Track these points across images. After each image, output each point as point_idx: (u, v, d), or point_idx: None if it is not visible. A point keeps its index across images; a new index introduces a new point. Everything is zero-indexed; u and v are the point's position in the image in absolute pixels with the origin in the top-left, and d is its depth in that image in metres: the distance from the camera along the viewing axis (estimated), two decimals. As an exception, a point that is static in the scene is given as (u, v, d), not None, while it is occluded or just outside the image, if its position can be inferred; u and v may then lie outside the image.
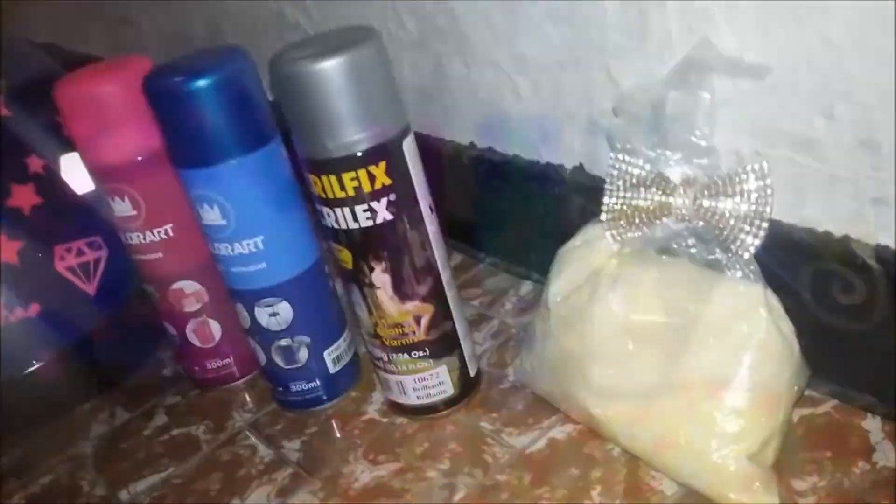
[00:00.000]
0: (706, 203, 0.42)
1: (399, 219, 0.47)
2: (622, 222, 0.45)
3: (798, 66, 0.41)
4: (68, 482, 0.57)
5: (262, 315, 0.54)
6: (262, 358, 0.56)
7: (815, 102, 0.41)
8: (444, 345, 0.51)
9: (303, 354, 0.55)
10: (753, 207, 0.41)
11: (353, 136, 0.45)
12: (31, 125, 0.58)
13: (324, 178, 0.46)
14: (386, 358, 0.52)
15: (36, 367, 0.57)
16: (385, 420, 0.55)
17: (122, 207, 0.55)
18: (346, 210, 0.47)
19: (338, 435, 0.55)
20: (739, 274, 0.42)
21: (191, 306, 0.59)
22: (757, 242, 0.41)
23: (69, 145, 0.59)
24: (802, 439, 0.44)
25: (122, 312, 0.61)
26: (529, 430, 0.50)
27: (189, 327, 0.59)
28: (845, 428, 0.45)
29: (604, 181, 0.54)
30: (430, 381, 0.52)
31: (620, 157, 0.44)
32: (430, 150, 0.60)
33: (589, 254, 0.46)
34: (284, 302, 0.53)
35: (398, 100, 0.47)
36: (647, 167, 0.44)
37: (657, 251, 0.45)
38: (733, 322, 0.41)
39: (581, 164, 0.57)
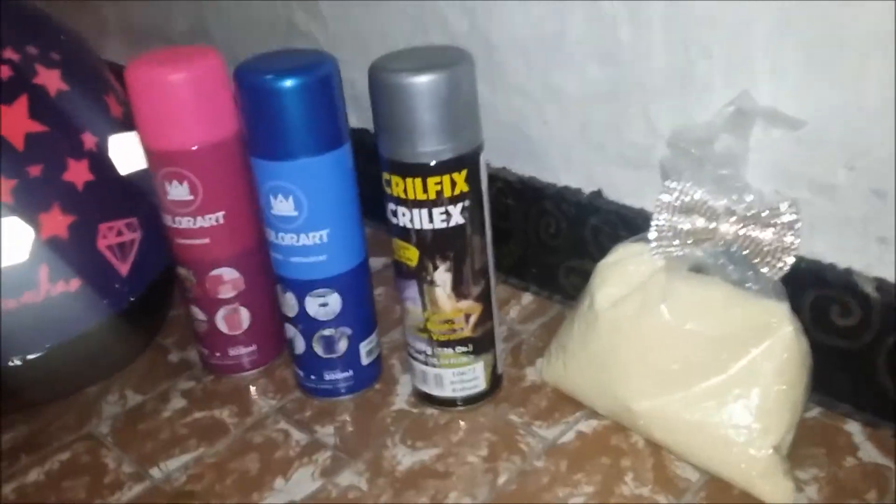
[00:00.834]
0: (745, 231, 0.50)
1: (468, 223, 0.52)
2: (668, 242, 0.52)
3: (829, 124, 0.49)
4: (90, 459, 0.57)
5: (313, 304, 0.57)
6: (301, 346, 0.58)
7: (840, 155, 0.50)
8: (484, 342, 0.56)
9: (342, 345, 0.58)
10: (785, 238, 0.49)
11: (443, 145, 0.50)
12: (85, 101, 0.58)
13: (408, 180, 0.51)
14: (430, 351, 0.56)
15: (63, 343, 0.57)
16: (415, 410, 0.59)
17: (178, 192, 0.57)
18: (425, 211, 0.51)
19: (371, 422, 0.58)
20: (768, 293, 0.50)
21: (226, 293, 0.60)
22: (786, 268, 0.49)
23: (117, 125, 0.60)
24: (799, 438, 0.52)
25: (146, 296, 0.61)
26: (557, 424, 0.56)
27: (220, 314, 0.61)
28: (832, 430, 0.53)
29: (623, 206, 0.62)
30: (467, 376, 0.57)
31: (672, 185, 0.51)
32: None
33: (632, 268, 0.53)
34: (335, 293, 0.56)
35: (478, 116, 0.52)
36: (696, 196, 0.51)
37: (692, 269, 0.52)
38: (765, 334, 0.49)
39: (600, 190, 0.64)
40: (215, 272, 0.60)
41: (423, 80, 0.48)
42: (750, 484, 0.48)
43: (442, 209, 0.51)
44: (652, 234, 0.52)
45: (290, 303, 0.57)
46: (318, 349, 0.58)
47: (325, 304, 0.57)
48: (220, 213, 0.58)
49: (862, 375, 0.53)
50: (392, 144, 0.51)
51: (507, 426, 0.56)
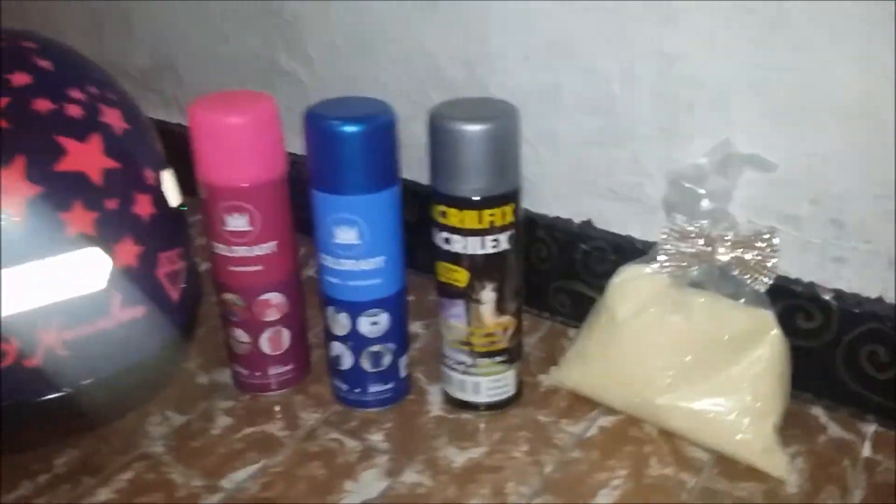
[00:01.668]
0: (736, 254, 0.61)
1: (512, 249, 0.61)
2: (674, 263, 0.62)
3: (796, 167, 0.62)
4: (155, 476, 0.60)
5: (365, 323, 0.63)
6: (349, 362, 0.64)
7: (804, 193, 0.62)
8: (516, 352, 0.65)
9: (387, 360, 0.65)
10: (767, 259, 0.61)
11: (496, 184, 0.58)
12: (142, 139, 0.62)
13: (465, 212, 0.59)
14: (470, 362, 0.64)
15: (129, 366, 0.60)
16: (452, 416, 0.66)
17: (238, 223, 0.62)
18: (478, 239, 0.59)
19: (415, 428, 0.65)
20: (757, 303, 0.61)
21: (271, 316, 0.66)
22: (770, 282, 0.61)
23: (164, 161, 0.64)
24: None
25: (189, 322, 0.65)
26: (580, 421, 0.65)
27: (265, 335, 0.66)
28: (803, 414, 0.65)
29: (611, 233, 0.72)
30: (501, 382, 0.65)
31: (676, 216, 0.62)
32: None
33: (645, 286, 0.63)
34: (385, 313, 0.63)
35: (519, 159, 0.61)
36: (695, 225, 0.62)
37: (692, 285, 0.63)
38: (759, 336, 0.60)
39: (590, 220, 0.74)
40: (264, 296, 0.65)
41: (486, 128, 0.57)
42: (754, 459, 0.59)
43: (493, 237, 0.60)
44: (661, 257, 0.63)
45: (342, 322, 0.63)
46: (366, 364, 0.64)
47: (375, 323, 0.63)
48: (274, 243, 0.63)
49: (822, 369, 0.65)
50: (452, 182, 0.59)
51: (537, 425, 0.65)
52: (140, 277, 0.59)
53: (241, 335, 0.66)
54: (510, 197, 0.59)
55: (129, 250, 0.58)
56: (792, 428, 0.63)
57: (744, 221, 0.63)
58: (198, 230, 0.67)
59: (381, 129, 0.58)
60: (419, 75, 0.78)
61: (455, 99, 0.62)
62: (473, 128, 0.57)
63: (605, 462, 0.61)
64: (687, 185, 0.62)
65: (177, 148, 0.65)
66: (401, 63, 0.79)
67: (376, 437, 0.64)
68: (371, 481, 0.60)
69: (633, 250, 0.71)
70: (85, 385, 0.58)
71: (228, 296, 0.65)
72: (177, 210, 0.64)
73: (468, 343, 0.63)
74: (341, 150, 0.58)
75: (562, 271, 0.76)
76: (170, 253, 0.62)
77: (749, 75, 0.62)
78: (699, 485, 0.59)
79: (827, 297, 0.64)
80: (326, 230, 0.60)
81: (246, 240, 0.63)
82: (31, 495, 0.59)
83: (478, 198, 0.58)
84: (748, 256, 0.61)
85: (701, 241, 0.62)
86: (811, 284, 0.64)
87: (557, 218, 0.75)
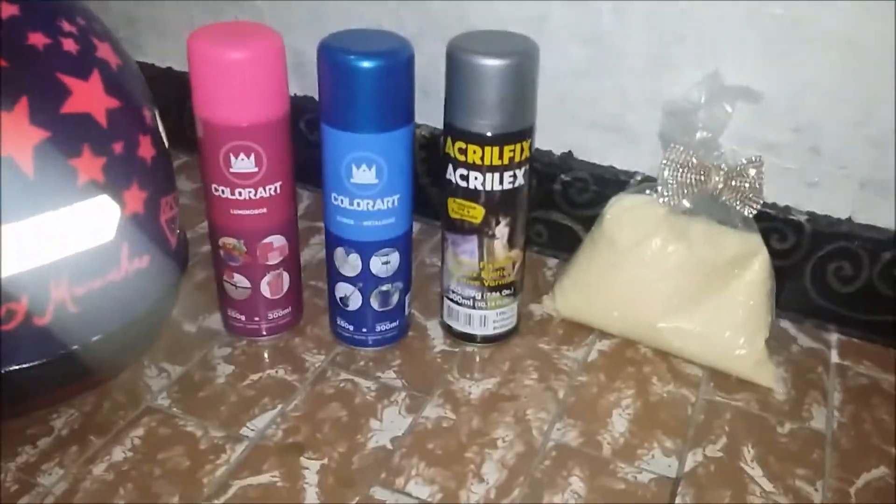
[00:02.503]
0: (728, 182, 0.65)
1: (526, 184, 0.61)
2: (672, 193, 0.65)
3: (782, 96, 0.66)
4: (170, 431, 0.58)
5: (377, 263, 0.62)
6: (358, 302, 0.64)
7: (787, 122, 0.67)
8: (519, 285, 0.66)
9: (395, 298, 0.65)
10: (756, 185, 0.65)
11: (517, 119, 0.59)
12: (135, 75, 0.57)
13: (486, 148, 0.59)
14: (480, 296, 0.65)
15: (136, 318, 0.57)
16: (457, 349, 0.67)
17: (244, 164, 0.59)
18: (496, 175, 0.60)
19: (423, 363, 0.65)
20: (746, 228, 0.65)
21: (273, 259, 0.63)
22: (758, 207, 0.65)
23: (153, 99, 0.60)
24: (754, 336, 0.69)
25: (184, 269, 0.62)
26: (579, 347, 0.68)
27: (265, 279, 0.64)
28: (773, 327, 0.71)
29: (590, 164, 0.74)
30: (506, 314, 0.66)
31: (673, 147, 0.64)
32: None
33: (644, 214, 0.66)
34: (396, 252, 0.63)
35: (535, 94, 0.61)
36: (690, 155, 0.64)
37: (686, 212, 0.66)
38: (750, 258, 0.64)
39: (570, 151, 0.76)
40: (267, 240, 0.62)
41: (512, 63, 0.57)
42: (748, 372, 0.64)
43: (511, 172, 0.60)
44: (661, 187, 0.65)
45: (353, 263, 0.62)
46: (375, 304, 0.64)
47: (387, 262, 0.62)
48: (279, 184, 0.61)
49: (792, 285, 0.71)
50: (472, 118, 0.58)
51: (541, 353, 0.67)
52: (145, 225, 0.56)
53: (240, 280, 0.64)
54: (528, 133, 0.60)
55: (136, 196, 0.55)
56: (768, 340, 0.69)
57: (728, 150, 0.67)
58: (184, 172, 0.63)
59: (403, 64, 0.57)
60: (392, 2, 0.76)
61: (470, 31, 0.60)
62: (501, 63, 0.56)
63: (611, 384, 0.64)
64: (683, 116, 0.65)
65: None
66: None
67: (388, 375, 0.64)
68: (394, 418, 0.60)
69: (614, 180, 0.74)
70: (94, 341, 0.54)
71: (229, 240, 0.62)
72: (168, 151, 0.60)
73: (478, 278, 0.64)
74: (366, 87, 0.56)
75: (541, 202, 0.78)
76: (169, 198, 0.59)
77: (742, 10, 0.64)
78: (701, 398, 0.63)
79: (801, 218, 0.69)
80: (341, 169, 0.59)
81: (251, 182, 0.60)
82: (37, 461, 0.55)
83: (498, 133, 0.58)
84: (739, 184, 0.65)
85: (698, 171, 0.65)
86: (786, 208, 0.69)
87: (537, 150, 0.76)
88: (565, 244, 0.77)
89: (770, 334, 0.65)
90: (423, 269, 0.76)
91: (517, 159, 0.60)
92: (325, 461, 0.56)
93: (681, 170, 0.65)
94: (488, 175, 0.60)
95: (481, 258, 0.63)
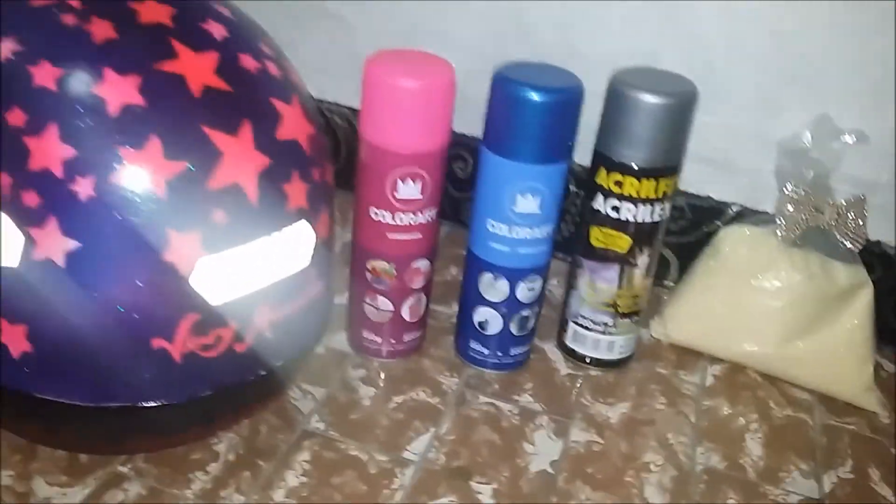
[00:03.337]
0: (836, 218, 0.69)
1: (668, 216, 0.64)
2: (788, 227, 0.69)
3: (880, 137, 0.70)
4: (336, 455, 0.58)
5: (523, 289, 0.64)
6: (498, 327, 0.65)
7: (883, 163, 0.71)
8: (643, 312, 0.69)
9: (531, 323, 0.66)
10: (860, 222, 0.69)
11: (674, 154, 0.61)
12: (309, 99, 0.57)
13: (644, 181, 0.61)
14: (612, 322, 0.67)
15: (306, 346, 0.57)
16: (581, 372, 0.69)
17: (410, 190, 0.59)
18: (649, 207, 0.62)
19: (554, 387, 0.67)
20: (852, 261, 0.70)
21: (418, 283, 0.64)
22: (863, 243, 0.70)
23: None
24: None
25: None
26: (694, 371, 0.71)
27: (407, 303, 0.64)
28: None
29: (688, 193, 0.78)
30: (631, 340, 0.69)
31: (791, 185, 0.68)
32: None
33: (761, 245, 0.69)
34: (540, 279, 0.64)
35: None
36: (806, 192, 0.69)
37: (793, 245, 0.70)
38: (858, 290, 0.69)
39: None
40: (415, 264, 0.63)
41: (678, 102, 0.59)
42: (856, 397, 0.69)
43: (662, 205, 0.63)
44: (779, 220, 0.69)
45: (500, 288, 0.63)
46: (514, 328, 0.65)
47: (532, 289, 0.64)
48: (434, 210, 0.62)
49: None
50: (633, 152, 0.60)
51: (661, 378, 0.70)
52: (326, 250, 0.56)
53: (383, 303, 0.64)
54: (678, 167, 0.62)
55: (324, 223, 0.55)
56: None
57: (836, 188, 0.71)
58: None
59: (577, 98, 0.58)
60: (499, 29, 0.77)
61: (630, 68, 0.63)
62: (670, 102, 0.59)
63: (734, 408, 0.67)
64: (798, 155, 0.69)
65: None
66: (476, 13, 0.77)
67: (525, 399, 0.65)
68: (546, 442, 0.62)
69: (710, 210, 0.78)
70: (279, 366, 0.54)
71: (380, 264, 0.62)
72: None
73: (613, 304, 0.66)
74: (544, 119, 0.57)
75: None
76: (330, 220, 0.59)
77: (850, 56, 0.69)
78: (818, 422, 0.67)
79: (890, 252, 0.74)
80: (504, 197, 0.60)
81: (413, 207, 0.60)
82: (213, 488, 0.54)
83: (657, 167, 0.61)
84: (845, 220, 0.69)
85: (811, 207, 0.69)
86: (877, 243, 0.74)
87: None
88: (661, 270, 0.80)
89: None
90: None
91: (668, 192, 0.62)
92: (496, 486, 0.57)
93: (796, 205, 0.69)
94: (641, 207, 0.62)
95: (620, 286, 0.65)
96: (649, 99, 0.59)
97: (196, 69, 0.46)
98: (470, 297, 0.65)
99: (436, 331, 0.70)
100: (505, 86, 0.58)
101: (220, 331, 0.49)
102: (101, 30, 0.45)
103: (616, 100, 0.60)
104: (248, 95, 0.49)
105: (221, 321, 0.48)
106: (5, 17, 0.45)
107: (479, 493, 0.57)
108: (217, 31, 0.49)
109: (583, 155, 0.65)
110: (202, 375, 0.49)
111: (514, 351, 0.67)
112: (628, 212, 0.62)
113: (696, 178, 0.78)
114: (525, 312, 0.65)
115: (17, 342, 0.45)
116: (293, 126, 0.51)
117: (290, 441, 0.58)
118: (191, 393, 0.50)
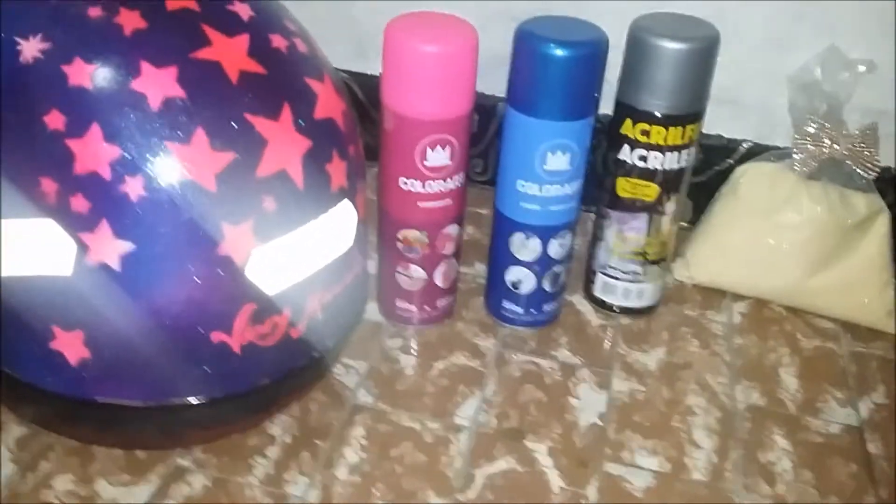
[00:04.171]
0: (850, 148, 0.70)
1: (692, 161, 0.64)
2: (804, 161, 0.69)
3: (889, 65, 0.71)
4: (390, 428, 0.58)
5: (554, 246, 0.64)
6: (531, 285, 0.65)
7: (890, 90, 0.72)
8: (670, 257, 0.69)
9: (563, 278, 0.66)
10: (872, 151, 0.70)
11: (698, 99, 0.61)
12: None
13: (671, 128, 0.61)
14: (642, 270, 0.67)
15: (352, 323, 0.57)
16: (613, 322, 0.70)
17: (439, 157, 0.59)
18: (675, 154, 0.62)
19: (587, 338, 0.68)
20: (867, 189, 0.71)
21: (448, 249, 0.64)
22: (878, 171, 0.71)
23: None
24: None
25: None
26: (720, 311, 0.72)
27: (439, 269, 0.64)
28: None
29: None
30: (658, 286, 0.69)
31: (808, 118, 0.69)
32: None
33: (779, 181, 0.70)
34: (569, 234, 0.64)
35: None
36: (817, 125, 0.69)
37: (809, 177, 0.71)
38: (874, 216, 0.70)
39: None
40: (446, 230, 0.63)
41: (703, 46, 0.59)
42: (880, 322, 0.70)
43: (688, 151, 0.63)
44: (796, 156, 0.69)
45: (532, 247, 0.63)
46: (547, 285, 0.65)
47: (563, 245, 0.64)
48: (462, 174, 0.61)
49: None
50: (659, 99, 0.60)
51: (691, 320, 0.71)
52: (362, 226, 0.55)
53: (416, 271, 0.64)
54: (702, 111, 0.62)
55: (362, 198, 0.54)
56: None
57: (848, 119, 0.72)
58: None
59: (603, 51, 0.58)
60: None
61: (649, 14, 0.62)
62: (696, 47, 0.59)
63: (764, 343, 0.69)
64: (810, 89, 0.69)
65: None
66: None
67: (564, 354, 0.66)
68: (591, 396, 0.62)
69: (721, 149, 0.78)
70: (331, 346, 0.54)
71: (411, 233, 0.62)
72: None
73: (643, 253, 0.66)
74: (572, 75, 0.57)
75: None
76: (365, 195, 0.58)
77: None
78: (845, 350, 0.69)
79: (902, 177, 0.75)
80: (534, 156, 0.59)
81: (443, 174, 0.60)
82: (276, 472, 0.54)
83: (682, 114, 0.61)
84: (859, 149, 0.70)
85: (826, 139, 0.69)
86: (888, 168, 0.75)
87: (642, 122, 0.79)
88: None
89: (893, 285, 0.71)
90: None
91: (693, 138, 0.62)
92: (550, 443, 0.58)
93: (811, 139, 0.69)
94: (668, 155, 0.62)
95: (649, 234, 0.66)
96: (673, 45, 0.58)
97: (230, 54, 0.45)
98: (501, 258, 0.65)
99: (462, 293, 0.70)
100: (530, 43, 0.57)
101: (275, 318, 0.48)
102: (130, 20, 0.43)
103: (638, 48, 0.60)
104: (283, 77, 0.47)
105: (276, 309, 0.48)
106: (28, 14, 0.43)
107: (535, 451, 0.57)
108: (243, 11, 0.47)
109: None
110: (260, 364, 0.49)
111: (546, 307, 0.67)
112: (655, 160, 0.62)
113: (706, 118, 0.78)
114: (557, 269, 0.65)
115: (75, 349, 0.45)
116: (328, 104, 0.49)
117: (343, 418, 0.59)
118: (251, 382, 0.49)
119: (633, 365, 0.65)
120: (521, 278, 0.65)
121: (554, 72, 0.57)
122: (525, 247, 0.64)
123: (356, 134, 0.53)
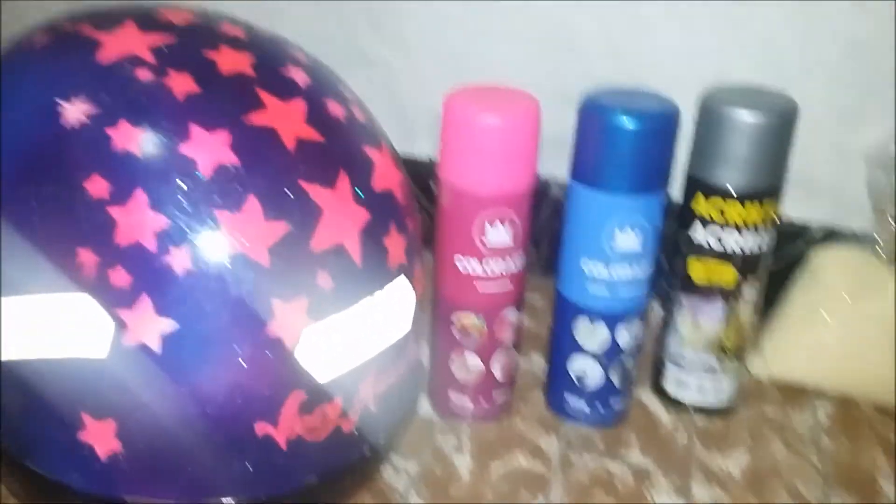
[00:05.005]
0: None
1: (772, 244, 0.60)
2: (888, 247, 0.64)
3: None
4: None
5: (623, 335, 0.59)
6: (598, 379, 0.60)
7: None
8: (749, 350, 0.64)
9: (632, 372, 0.61)
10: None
11: (778, 174, 0.57)
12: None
13: (749, 207, 0.56)
14: (717, 364, 0.62)
15: (406, 416, 0.52)
16: (684, 419, 0.63)
17: (499, 234, 0.55)
18: (755, 236, 0.57)
19: (661, 440, 0.61)
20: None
21: (507, 336, 0.59)
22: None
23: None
24: None
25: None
26: (804, 410, 0.66)
27: (497, 358, 0.59)
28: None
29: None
30: (736, 382, 0.63)
31: (887, 203, 0.64)
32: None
33: (854, 268, 0.65)
34: (639, 322, 0.59)
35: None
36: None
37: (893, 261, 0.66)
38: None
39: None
40: (504, 315, 0.58)
41: (784, 121, 0.55)
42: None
43: (767, 230, 0.58)
44: (879, 239, 0.64)
45: (599, 336, 0.58)
46: (615, 378, 0.60)
47: (632, 334, 0.59)
48: (522, 255, 0.57)
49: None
50: (739, 175, 0.56)
51: (772, 420, 0.64)
52: (419, 307, 0.51)
53: (473, 361, 0.59)
54: (780, 187, 0.58)
55: (420, 278, 0.50)
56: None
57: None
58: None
59: (675, 123, 0.54)
60: (558, 60, 0.73)
61: (721, 86, 0.58)
62: (774, 121, 0.55)
63: (857, 447, 0.62)
64: (884, 169, 0.65)
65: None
66: (535, 43, 0.73)
67: (635, 456, 0.60)
68: (668, 502, 0.56)
69: (791, 233, 0.73)
70: (381, 445, 0.49)
71: (467, 317, 0.57)
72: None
73: (719, 346, 0.61)
74: (643, 147, 0.53)
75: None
76: (423, 275, 0.54)
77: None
78: (948, 454, 0.62)
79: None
80: (602, 234, 0.55)
81: (503, 253, 0.55)
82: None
83: (760, 190, 0.56)
84: (943, 235, 0.65)
85: (905, 225, 0.64)
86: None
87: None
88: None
89: None
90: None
91: (773, 215, 0.58)
92: (627, 556, 0.51)
93: (894, 220, 0.64)
94: (747, 235, 0.57)
95: (727, 323, 0.60)
96: (751, 118, 0.55)
97: (286, 120, 0.42)
98: (563, 346, 0.60)
99: (518, 387, 0.65)
100: (598, 114, 0.53)
101: (325, 408, 0.43)
102: (181, 83, 0.40)
103: (713, 120, 0.56)
104: (341, 145, 0.44)
105: (327, 397, 0.43)
106: (74, 76, 0.40)
107: (612, 566, 0.51)
108: (300, 77, 0.44)
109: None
110: (307, 462, 0.44)
111: (614, 403, 0.61)
112: (733, 241, 0.58)
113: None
114: (626, 360, 0.60)
115: (105, 441, 0.40)
116: (386, 174, 0.46)
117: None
118: (296, 482, 0.44)
119: (715, 470, 0.59)
120: (586, 370, 0.60)
121: (623, 143, 0.53)
122: (591, 333, 0.59)
123: (414, 208, 0.50)
